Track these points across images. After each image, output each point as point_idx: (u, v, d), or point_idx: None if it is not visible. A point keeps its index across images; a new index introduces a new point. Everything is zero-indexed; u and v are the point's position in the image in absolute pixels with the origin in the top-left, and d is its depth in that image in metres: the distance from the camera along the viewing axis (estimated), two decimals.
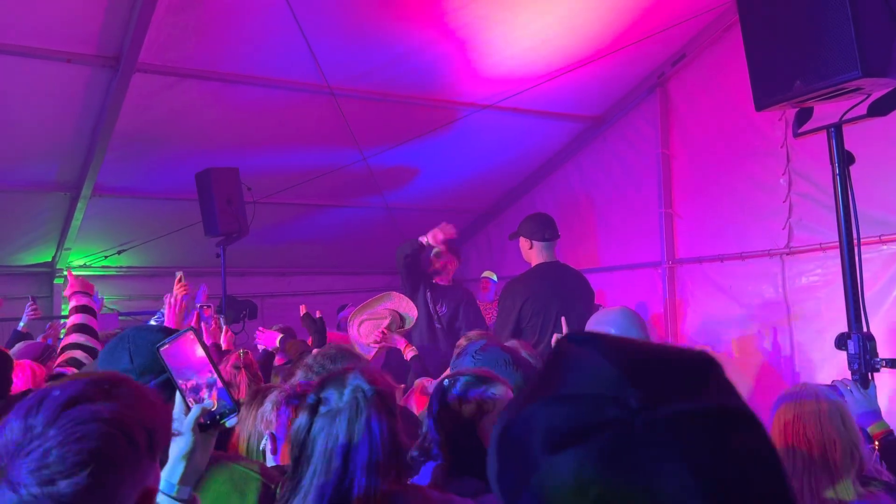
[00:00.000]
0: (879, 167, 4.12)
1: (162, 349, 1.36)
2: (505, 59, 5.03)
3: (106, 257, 6.52)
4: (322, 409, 1.48)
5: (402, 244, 4.86)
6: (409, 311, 4.38)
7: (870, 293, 2.73)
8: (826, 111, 2.65)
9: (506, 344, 2.81)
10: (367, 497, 1.41)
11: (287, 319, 4.62)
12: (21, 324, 5.05)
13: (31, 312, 5.08)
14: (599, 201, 6.47)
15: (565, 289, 4.06)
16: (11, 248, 6.23)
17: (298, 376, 2.54)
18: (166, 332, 1.71)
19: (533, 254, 4.17)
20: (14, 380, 2.54)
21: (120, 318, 6.44)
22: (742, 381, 5.17)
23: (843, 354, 2.53)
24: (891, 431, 2.25)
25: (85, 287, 2.78)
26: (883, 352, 2.52)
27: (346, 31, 4.45)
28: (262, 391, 2.22)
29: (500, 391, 1.91)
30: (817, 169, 4.46)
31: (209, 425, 1.34)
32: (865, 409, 2.29)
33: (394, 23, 4.43)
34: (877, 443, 2.22)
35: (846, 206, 2.58)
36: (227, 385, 1.35)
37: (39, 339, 4.48)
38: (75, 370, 2.45)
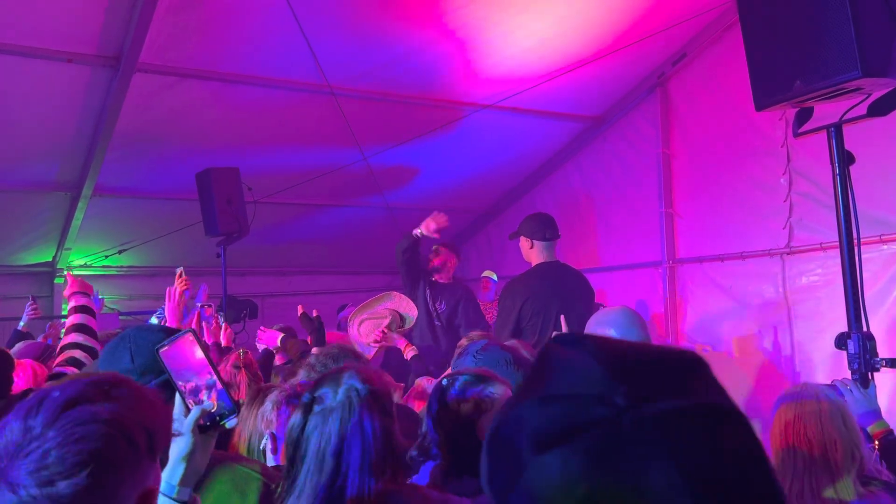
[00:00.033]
0: (880, 167, 4.12)
1: (161, 351, 1.36)
2: (505, 59, 5.03)
3: (106, 257, 6.52)
4: (316, 407, 1.48)
5: (400, 241, 4.93)
6: (409, 310, 4.38)
7: (870, 293, 2.73)
8: (826, 111, 2.65)
9: (506, 343, 2.82)
10: (361, 496, 1.41)
11: (288, 319, 4.62)
12: (21, 323, 5.06)
13: (32, 312, 5.08)
14: (600, 201, 6.47)
15: (565, 289, 4.06)
16: (12, 247, 6.24)
17: (301, 375, 2.55)
18: (167, 332, 1.71)
19: (533, 253, 4.17)
20: (15, 379, 2.54)
21: (120, 317, 6.44)
22: (742, 380, 5.17)
23: (844, 354, 2.53)
24: (891, 431, 2.25)
25: (84, 288, 2.79)
26: (883, 351, 2.52)
27: (347, 30, 4.45)
28: (263, 391, 2.22)
29: (499, 390, 1.91)
30: (818, 168, 4.46)
31: (209, 426, 1.34)
32: (865, 409, 2.29)
33: (394, 22, 4.43)
34: (876, 442, 2.22)
35: (846, 206, 2.58)
36: (227, 386, 1.35)
37: (40, 339, 4.48)
38: (75, 370, 2.45)
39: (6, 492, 0.90)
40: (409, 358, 3.95)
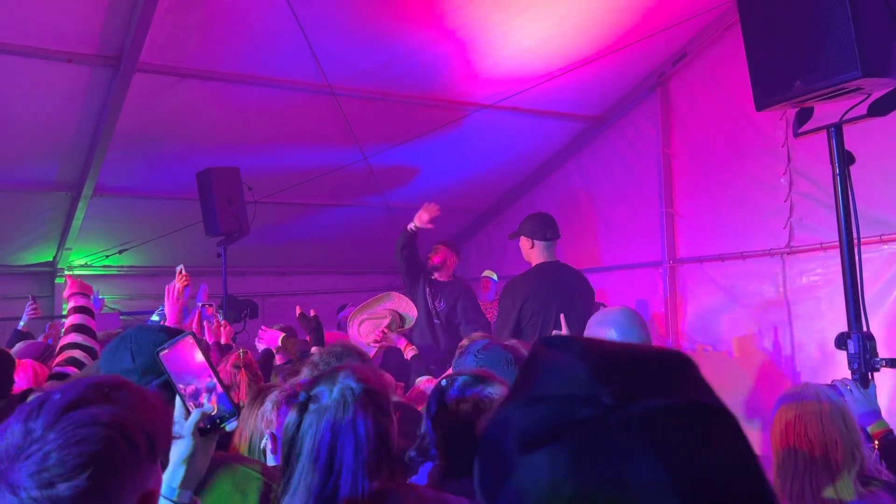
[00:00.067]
0: (881, 167, 4.12)
1: (162, 354, 1.36)
2: (506, 59, 5.03)
3: (107, 257, 6.52)
4: (311, 406, 1.48)
5: (398, 238, 4.97)
6: (409, 310, 4.39)
7: (870, 293, 2.73)
8: (826, 111, 2.65)
9: (507, 343, 2.82)
10: (354, 494, 1.41)
11: (288, 319, 4.62)
12: (21, 323, 5.06)
13: (32, 312, 5.08)
14: (600, 201, 6.47)
15: (566, 288, 4.06)
16: (12, 247, 6.24)
17: (304, 373, 2.55)
18: (168, 332, 1.71)
19: (534, 253, 4.16)
20: (16, 379, 2.54)
21: (121, 317, 6.45)
22: (742, 380, 5.17)
23: (844, 354, 2.54)
24: (890, 431, 2.26)
25: (83, 289, 2.80)
26: (883, 351, 2.52)
27: (347, 30, 4.45)
28: (264, 390, 2.22)
29: (498, 391, 1.91)
30: (818, 168, 4.46)
31: (209, 429, 1.34)
32: (865, 409, 2.29)
33: (394, 22, 4.43)
34: (876, 442, 2.22)
35: (846, 207, 2.58)
36: (227, 389, 1.36)
37: (41, 339, 4.48)
38: (76, 370, 2.46)
39: (6, 493, 0.91)
40: (409, 358, 3.95)
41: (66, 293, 2.82)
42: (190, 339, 1.38)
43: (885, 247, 4.29)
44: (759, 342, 5.11)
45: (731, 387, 5.24)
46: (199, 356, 1.36)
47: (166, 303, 3.46)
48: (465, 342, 3.25)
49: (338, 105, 5.08)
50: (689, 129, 5.67)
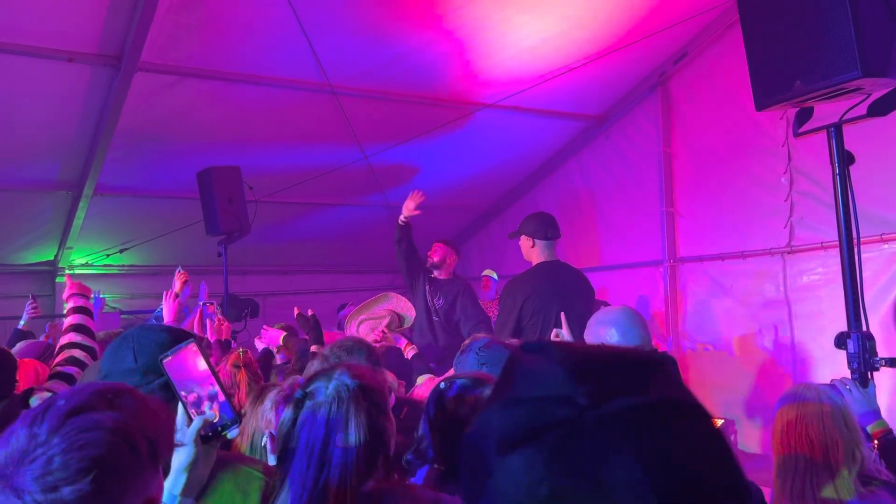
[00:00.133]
0: (882, 166, 4.12)
1: (164, 361, 1.37)
2: (507, 58, 5.03)
3: (108, 256, 6.53)
4: (307, 403, 1.49)
5: (394, 235, 5.03)
6: (407, 311, 4.41)
7: (870, 292, 2.74)
8: (826, 110, 2.65)
9: (508, 342, 2.82)
10: (345, 491, 1.41)
11: (289, 318, 4.64)
12: (21, 322, 5.06)
13: (32, 311, 5.08)
14: (601, 200, 6.47)
15: (566, 288, 4.06)
16: (13, 246, 6.25)
17: (315, 366, 2.57)
18: (170, 332, 1.71)
19: (534, 253, 4.17)
20: (17, 378, 2.55)
21: (122, 316, 6.45)
22: (743, 379, 5.18)
23: (844, 353, 2.54)
24: (890, 430, 2.26)
25: (82, 290, 2.82)
26: (882, 351, 2.52)
27: (348, 30, 4.45)
28: (266, 389, 2.23)
29: None
30: (819, 167, 4.46)
31: (211, 437, 1.35)
32: (864, 409, 2.29)
33: (395, 22, 4.44)
34: (876, 442, 2.22)
35: (846, 206, 2.58)
36: (229, 397, 1.36)
37: (42, 339, 4.49)
38: (77, 369, 2.46)
39: (11, 497, 0.92)
40: (409, 357, 3.95)
41: (65, 294, 2.84)
42: (193, 347, 1.38)
43: (886, 246, 4.29)
44: (759, 341, 5.11)
45: (731, 385, 5.25)
46: (202, 364, 1.37)
47: (164, 304, 3.49)
48: (467, 342, 3.26)
49: (338, 104, 5.09)
50: (690, 129, 5.67)
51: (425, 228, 5.88)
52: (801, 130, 2.71)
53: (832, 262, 4.52)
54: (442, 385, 1.96)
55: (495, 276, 6.63)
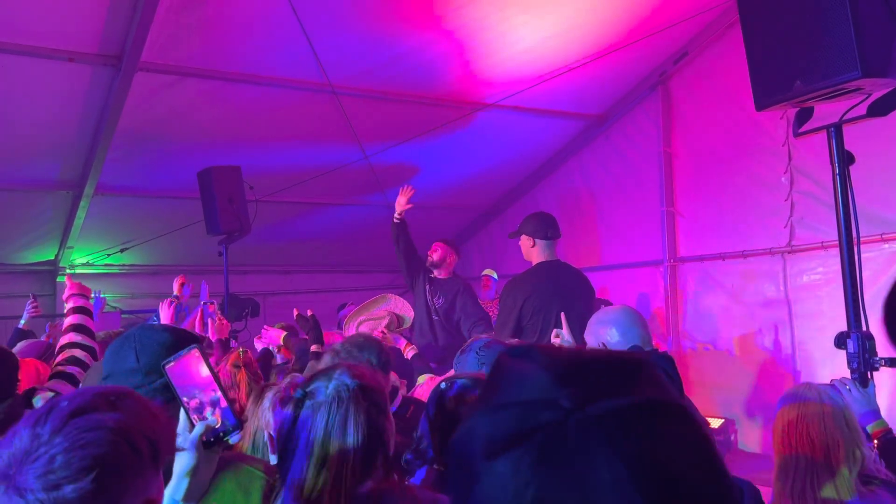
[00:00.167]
0: (882, 166, 4.12)
1: (167, 367, 1.37)
2: (507, 58, 5.03)
3: (108, 256, 6.54)
4: (307, 402, 1.49)
5: (391, 235, 5.06)
6: (406, 311, 4.42)
7: (870, 292, 2.73)
8: (827, 110, 2.65)
9: (508, 342, 2.82)
10: (345, 490, 1.41)
11: (290, 318, 4.65)
12: (22, 321, 5.06)
13: (32, 310, 5.08)
14: (601, 199, 6.47)
15: (566, 287, 4.06)
16: (14, 246, 6.25)
17: (325, 361, 2.59)
18: (172, 332, 1.72)
19: (534, 252, 4.17)
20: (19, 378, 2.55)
21: (123, 316, 6.46)
22: (743, 378, 5.18)
23: (844, 353, 2.54)
24: (889, 430, 2.26)
25: (82, 290, 2.83)
26: (882, 351, 2.53)
27: (348, 29, 4.45)
28: (266, 389, 2.24)
29: None
30: (819, 167, 4.47)
31: (213, 443, 1.35)
32: (864, 408, 2.30)
33: (396, 21, 4.44)
34: (875, 441, 2.22)
35: (846, 206, 2.58)
36: (231, 403, 1.37)
37: (43, 339, 4.49)
38: (78, 369, 2.47)
39: (14, 496, 0.93)
40: (409, 357, 3.96)
41: (65, 294, 2.85)
42: (196, 353, 1.38)
43: (886, 246, 4.29)
44: (759, 341, 5.12)
45: (731, 385, 5.25)
46: (205, 370, 1.37)
47: (161, 312, 3.53)
48: (468, 342, 3.27)
49: (339, 104, 5.09)
50: (690, 128, 5.67)
51: (425, 228, 5.89)
52: (801, 130, 2.71)
53: (832, 262, 4.52)
54: (443, 385, 1.96)
55: (495, 275, 6.63)
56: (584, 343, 2.58)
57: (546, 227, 4.17)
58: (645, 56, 5.40)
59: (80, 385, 2.33)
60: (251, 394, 2.46)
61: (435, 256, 5.06)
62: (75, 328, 2.65)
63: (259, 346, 4.14)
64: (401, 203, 4.95)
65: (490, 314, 5.33)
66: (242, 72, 4.67)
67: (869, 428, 2.24)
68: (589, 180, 6.58)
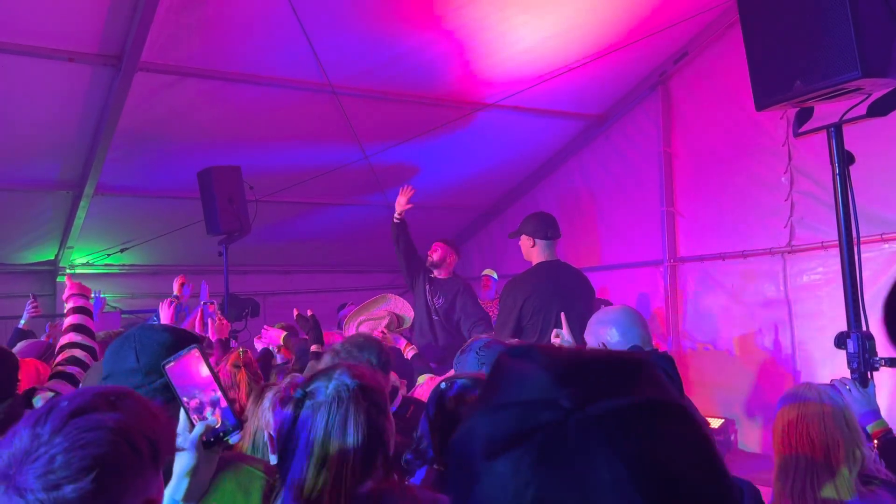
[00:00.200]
0: (882, 166, 4.12)
1: (167, 367, 1.37)
2: (506, 58, 5.03)
3: (108, 256, 6.54)
4: (307, 402, 1.49)
5: (391, 235, 5.06)
6: (406, 312, 4.43)
7: (871, 292, 2.73)
8: (827, 110, 2.65)
9: (508, 342, 2.82)
10: (345, 491, 1.41)
11: (290, 317, 4.65)
12: (22, 321, 5.06)
13: (32, 310, 5.08)
14: (601, 199, 6.47)
15: (566, 287, 4.06)
16: (14, 246, 6.25)
17: (325, 360, 2.59)
18: (172, 332, 1.72)
19: (535, 252, 4.17)
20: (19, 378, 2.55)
21: (123, 316, 6.46)
22: (743, 378, 5.18)
23: (844, 353, 2.54)
24: (889, 430, 2.26)
25: (82, 290, 2.83)
26: (882, 351, 2.53)
27: (348, 29, 4.46)
28: (267, 389, 2.24)
29: None
30: (819, 167, 4.47)
31: (213, 443, 1.35)
32: (864, 408, 2.30)
33: (396, 21, 4.44)
34: (875, 441, 2.22)
35: (846, 207, 2.58)
36: (231, 403, 1.37)
37: (43, 339, 4.49)
38: (79, 369, 2.47)
39: (14, 497, 0.93)
40: (409, 357, 3.96)
41: (65, 295, 2.85)
42: (196, 353, 1.38)
43: (886, 246, 4.29)
44: (759, 341, 5.12)
45: (731, 385, 5.25)
46: (205, 370, 1.37)
47: (161, 312, 3.53)
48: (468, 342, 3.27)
49: (339, 104, 5.09)
50: (690, 128, 5.67)
51: (425, 228, 5.89)
52: (801, 130, 2.71)
53: (832, 262, 4.52)
54: (443, 385, 1.96)
55: (495, 275, 6.63)
56: (584, 343, 2.58)
57: (546, 227, 4.17)
58: (645, 56, 5.40)
59: (81, 385, 2.33)
60: (251, 394, 2.46)
61: (435, 256, 5.06)
62: (75, 328, 2.65)
63: (259, 346, 4.14)
64: (401, 203, 4.95)
65: (490, 314, 5.34)
66: (242, 72, 4.67)
67: (869, 428, 2.25)
68: (589, 180, 6.58)
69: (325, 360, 2.60)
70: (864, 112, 2.54)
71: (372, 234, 7.08)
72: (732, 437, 5.05)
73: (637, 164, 6.10)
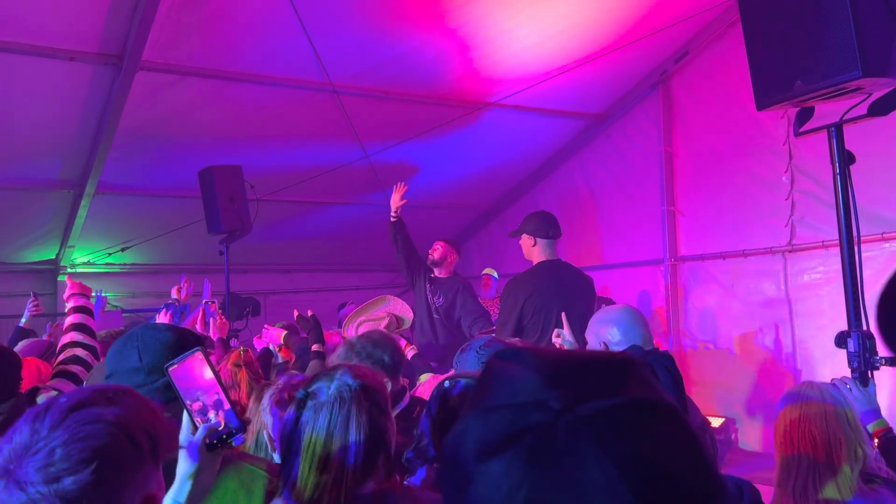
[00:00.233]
0: (883, 165, 4.13)
1: (170, 369, 1.38)
2: (507, 57, 5.03)
3: (109, 255, 6.54)
4: (309, 403, 1.50)
5: (389, 234, 5.09)
6: (405, 312, 4.43)
7: (871, 291, 2.73)
8: (827, 109, 2.65)
9: (508, 341, 2.82)
10: (347, 491, 1.42)
11: (290, 317, 4.66)
12: (23, 320, 5.06)
13: (33, 308, 5.07)
14: (602, 198, 6.47)
15: (567, 287, 4.06)
16: (15, 245, 6.26)
17: (340, 353, 2.61)
18: (174, 332, 1.72)
19: (535, 251, 4.17)
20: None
21: (124, 315, 6.46)
22: (744, 377, 5.19)
23: (845, 352, 2.54)
24: (890, 429, 2.26)
25: (83, 289, 2.83)
26: (883, 350, 2.53)
27: (349, 28, 4.46)
28: (268, 388, 2.25)
29: None
30: (820, 166, 4.46)
31: (216, 445, 1.36)
32: (865, 408, 2.30)
33: (396, 21, 4.44)
34: (876, 440, 2.23)
35: (846, 206, 2.58)
36: (234, 405, 1.37)
37: (44, 338, 4.49)
38: (81, 368, 2.48)
39: (15, 491, 0.93)
40: (409, 357, 3.96)
41: (65, 294, 2.86)
42: (199, 355, 1.39)
43: (887, 245, 4.30)
44: (760, 340, 5.12)
45: (732, 384, 5.25)
46: (208, 372, 1.37)
47: (159, 320, 3.55)
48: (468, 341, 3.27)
49: (339, 103, 5.09)
50: (691, 127, 5.67)
51: (426, 228, 5.89)
52: (801, 130, 2.71)
53: (833, 261, 4.52)
54: (446, 384, 1.97)
55: (496, 274, 6.64)
56: (586, 342, 2.58)
57: (547, 227, 4.17)
58: (645, 55, 5.40)
59: (84, 384, 2.34)
60: (252, 393, 2.47)
61: (436, 255, 5.07)
62: (76, 327, 2.65)
63: (259, 345, 4.14)
64: (395, 201, 4.96)
65: (490, 313, 5.34)
66: (243, 71, 4.68)
67: (869, 427, 2.25)
68: (589, 179, 6.58)
69: (340, 354, 2.62)
70: (864, 112, 2.54)
71: (373, 233, 7.07)
72: (733, 436, 5.06)
73: (637, 164, 6.10)
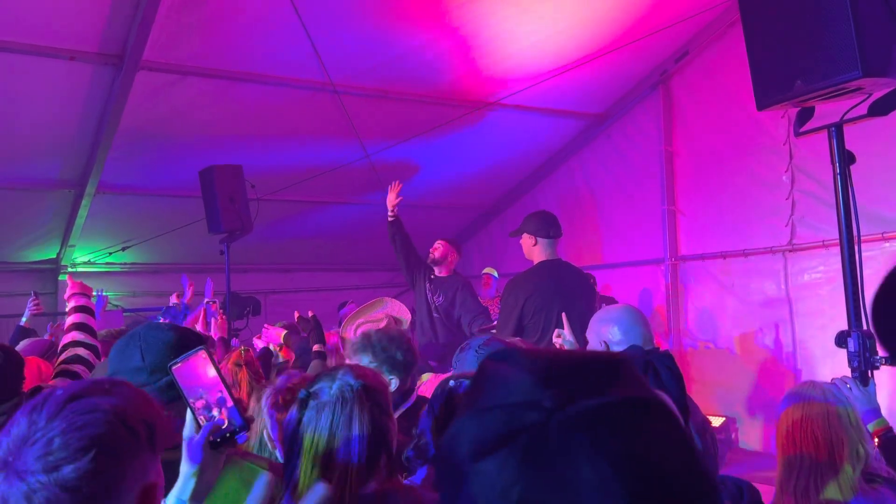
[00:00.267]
0: (883, 165, 4.13)
1: (174, 368, 1.38)
2: (508, 57, 5.03)
3: (110, 254, 6.54)
4: (311, 402, 1.50)
5: (388, 234, 5.08)
6: (403, 314, 4.44)
7: (871, 291, 2.74)
8: (828, 109, 2.66)
9: (508, 340, 2.82)
10: (349, 491, 1.42)
11: (291, 316, 4.66)
12: (23, 319, 5.06)
13: (33, 307, 5.07)
14: (602, 198, 6.48)
15: (567, 287, 4.06)
16: (16, 245, 6.26)
17: (356, 344, 2.65)
18: (176, 331, 1.72)
19: (536, 251, 4.17)
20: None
21: (124, 314, 6.46)
22: (744, 377, 5.19)
23: (845, 351, 2.54)
24: (890, 429, 2.26)
25: (83, 289, 2.84)
26: (881, 349, 2.53)
27: (350, 28, 4.46)
28: (269, 386, 2.26)
29: None
30: (820, 166, 4.47)
31: (219, 443, 1.36)
32: (865, 407, 2.30)
33: (397, 20, 4.44)
34: (876, 440, 2.23)
35: (846, 206, 2.58)
36: (238, 402, 1.38)
37: (45, 338, 4.49)
38: (83, 367, 2.48)
39: (15, 481, 0.94)
40: None
41: (66, 294, 2.86)
42: (203, 354, 1.39)
43: (887, 244, 4.30)
44: (760, 339, 5.12)
45: (732, 383, 5.26)
46: (212, 371, 1.38)
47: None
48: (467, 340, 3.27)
49: (340, 103, 5.09)
50: (691, 127, 5.67)
51: (426, 228, 5.89)
52: (802, 130, 2.71)
53: (833, 261, 4.52)
54: (451, 383, 1.97)
55: (496, 274, 6.64)
56: (586, 342, 2.58)
57: (548, 226, 4.16)
58: (646, 55, 5.41)
59: None
60: (252, 393, 2.47)
61: (437, 254, 5.07)
62: (77, 327, 2.66)
63: (259, 344, 4.15)
64: (391, 200, 4.97)
65: (490, 312, 5.35)
66: (244, 70, 4.68)
67: (870, 426, 2.25)
68: (590, 179, 6.59)
69: (356, 345, 2.64)
70: (864, 112, 2.54)
71: (373, 232, 7.06)
72: (733, 436, 5.06)
73: (638, 163, 6.10)
